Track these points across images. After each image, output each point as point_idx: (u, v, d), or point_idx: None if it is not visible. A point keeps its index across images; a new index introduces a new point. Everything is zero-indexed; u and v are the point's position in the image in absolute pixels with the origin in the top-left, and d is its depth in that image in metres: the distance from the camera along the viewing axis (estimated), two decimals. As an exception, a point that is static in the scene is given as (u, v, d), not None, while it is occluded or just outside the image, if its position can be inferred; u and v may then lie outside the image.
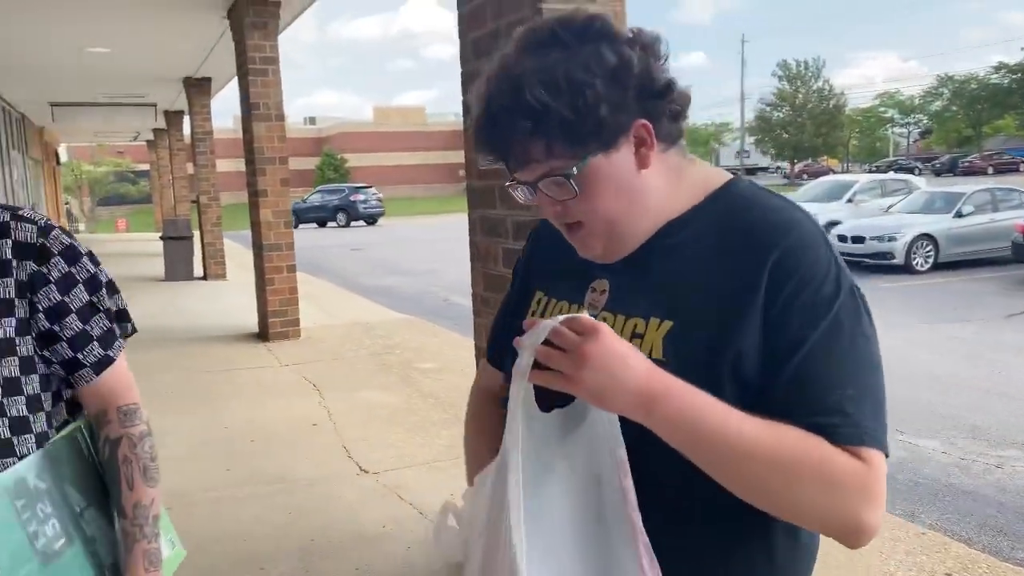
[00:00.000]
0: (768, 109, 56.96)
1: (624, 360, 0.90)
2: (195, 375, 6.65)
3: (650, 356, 0.96)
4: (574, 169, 0.97)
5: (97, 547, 1.28)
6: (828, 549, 1.07)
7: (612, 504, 0.96)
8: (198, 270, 13.69)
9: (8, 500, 1.15)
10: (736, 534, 1.01)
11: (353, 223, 31.93)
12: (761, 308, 0.94)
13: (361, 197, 32.58)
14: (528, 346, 0.94)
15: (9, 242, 1.20)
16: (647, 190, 1.01)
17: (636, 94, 0.96)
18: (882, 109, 61.50)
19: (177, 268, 13.40)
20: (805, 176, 46.99)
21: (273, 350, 7.53)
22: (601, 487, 0.97)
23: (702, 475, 0.93)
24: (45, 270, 1.21)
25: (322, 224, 32.29)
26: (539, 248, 1.27)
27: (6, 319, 1.18)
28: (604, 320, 1.02)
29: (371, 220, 32.55)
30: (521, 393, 0.97)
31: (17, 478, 1.17)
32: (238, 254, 15.37)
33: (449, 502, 1.14)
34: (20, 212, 1.24)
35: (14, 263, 1.19)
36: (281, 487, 4.16)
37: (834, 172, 42.50)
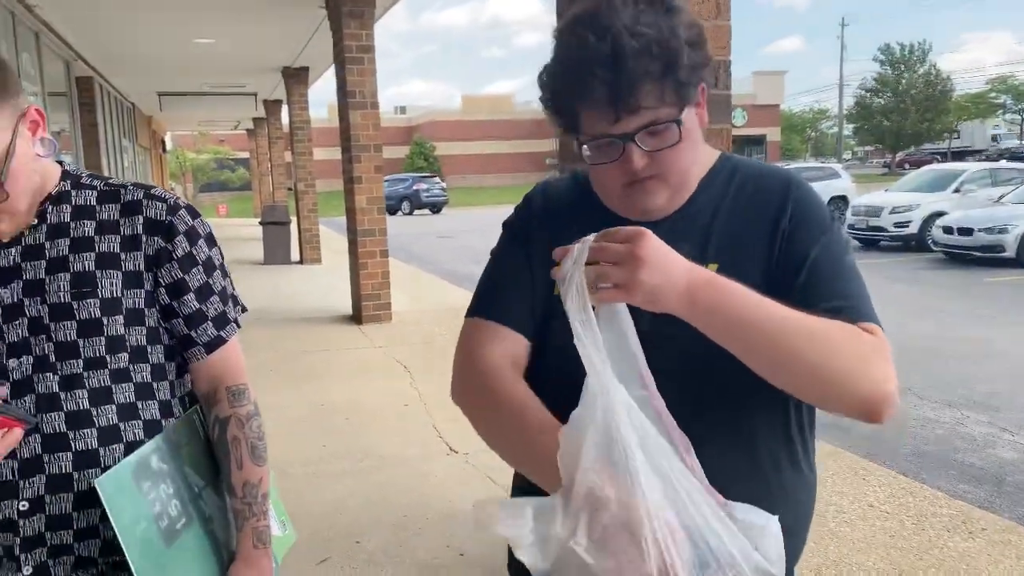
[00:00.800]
0: (868, 95, 54.64)
1: (669, 256, 0.97)
2: (292, 354, 6.89)
3: None
4: (681, 117, 1.06)
5: (214, 525, 1.34)
6: (933, 548, 1.05)
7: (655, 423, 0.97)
8: (295, 254, 14.16)
9: (135, 482, 1.21)
10: (749, 461, 1.10)
11: (417, 211, 32.36)
12: (779, 231, 1.11)
13: (424, 186, 33.15)
14: (571, 273, 0.95)
15: (141, 218, 1.27)
16: (699, 150, 1.14)
17: (700, 64, 1.08)
18: (993, 95, 58.12)
19: (275, 252, 13.89)
20: (907, 166, 44.95)
21: (366, 332, 7.73)
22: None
23: (713, 401, 1.06)
24: (170, 247, 1.27)
25: (391, 213, 32.86)
26: (536, 227, 1.22)
27: (136, 290, 1.26)
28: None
29: (435, 209, 33.04)
30: (589, 319, 0.95)
31: (141, 460, 1.23)
32: (332, 240, 15.81)
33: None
34: (152, 191, 1.31)
35: (144, 238, 1.26)
36: (374, 464, 4.28)
37: (939, 161, 40.46)
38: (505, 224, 1.29)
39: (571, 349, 1.02)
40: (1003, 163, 19.84)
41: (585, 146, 1.09)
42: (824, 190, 18.81)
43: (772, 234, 1.11)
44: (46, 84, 8.88)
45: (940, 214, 13.79)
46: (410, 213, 32.48)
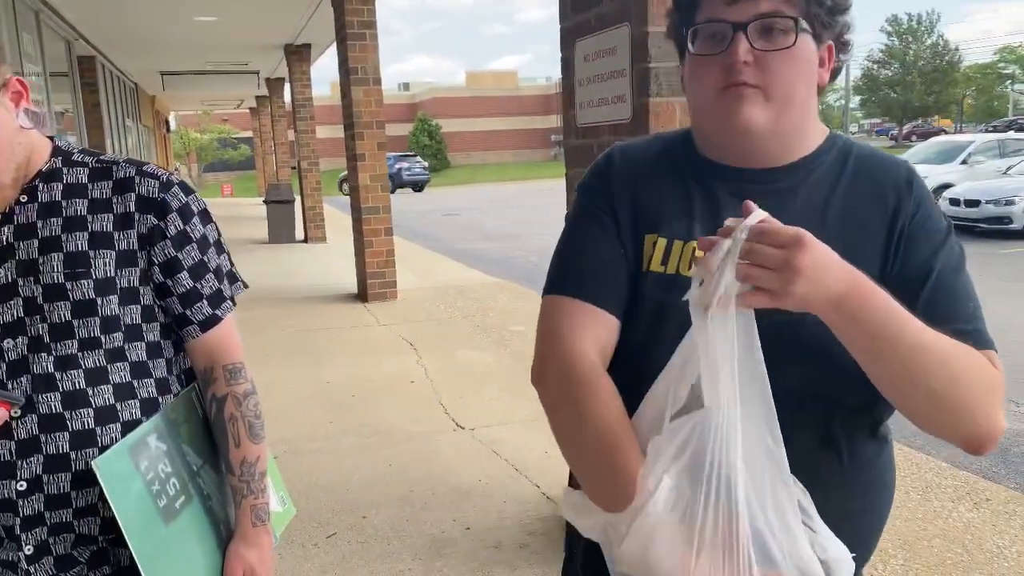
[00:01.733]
0: (876, 67, 54.10)
1: (828, 267, 0.90)
2: (299, 332, 6.91)
3: None
4: (802, 21, 1.00)
5: (212, 503, 1.34)
6: (937, 519, 1.07)
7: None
8: (299, 233, 14.16)
9: (132, 462, 1.21)
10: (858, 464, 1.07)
11: (399, 190, 32.44)
12: (898, 227, 1.03)
13: (405, 165, 33.91)
14: (720, 271, 0.88)
15: (133, 195, 1.25)
16: (813, 103, 1.07)
17: (839, 28, 1.05)
18: (1002, 65, 57.49)
19: (279, 231, 13.90)
20: (914, 137, 44.59)
21: (371, 310, 7.74)
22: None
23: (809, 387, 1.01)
24: (163, 225, 1.26)
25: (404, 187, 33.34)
26: (622, 187, 1.12)
27: (130, 268, 1.25)
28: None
29: (417, 187, 33.78)
30: (729, 324, 0.90)
31: (139, 440, 1.23)
32: (337, 218, 15.80)
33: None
34: (145, 167, 1.29)
35: (137, 216, 1.25)
36: (381, 439, 4.30)
37: (946, 132, 40.14)
38: (581, 187, 1.18)
39: (648, 350, 1.04)
40: (1011, 134, 19.68)
41: (693, 33, 1.03)
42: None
43: (890, 229, 1.03)
44: (48, 64, 8.84)
45: (947, 186, 13.70)
46: (392, 192, 32.63)
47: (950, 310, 1.00)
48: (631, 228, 1.10)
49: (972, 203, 12.47)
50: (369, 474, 3.85)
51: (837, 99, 63.39)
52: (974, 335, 0.99)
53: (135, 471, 1.21)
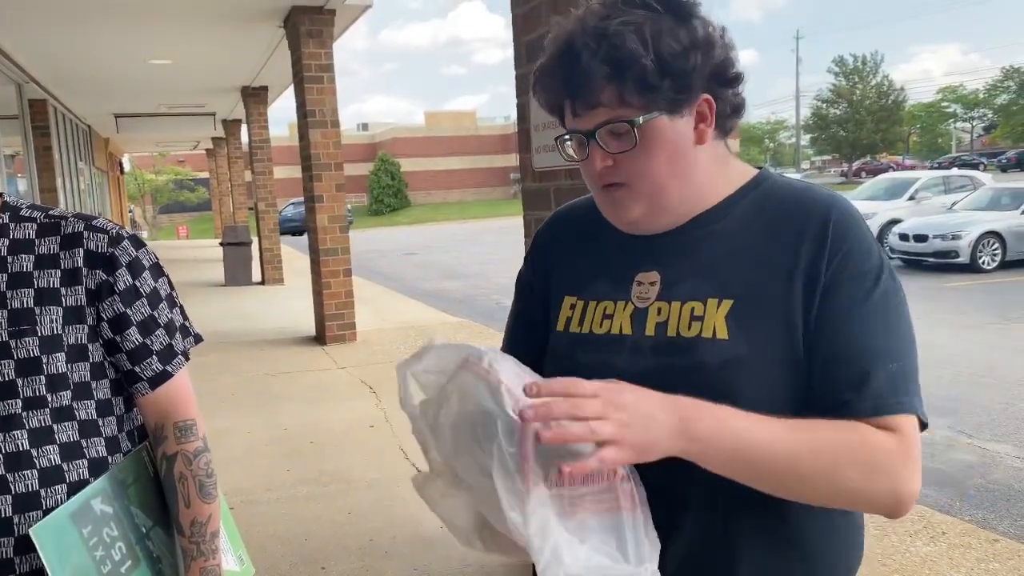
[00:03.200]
0: (824, 106, 55.77)
1: (644, 394, 0.90)
2: (255, 377, 6.79)
3: (714, 337, 0.98)
4: (640, 119, 0.99)
5: (163, 566, 1.30)
6: (895, 554, 1.06)
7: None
8: (256, 275, 13.99)
9: (74, 528, 1.17)
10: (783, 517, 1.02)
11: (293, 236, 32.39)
12: (812, 279, 0.98)
13: (279, 214, 33.63)
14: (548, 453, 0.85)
15: (81, 251, 1.22)
16: (697, 166, 1.04)
17: (710, 73, 1.00)
18: (944, 104, 59.68)
19: (236, 273, 13.71)
20: (864, 174, 45.89)
21: (330, 353, 7.65)
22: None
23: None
24: (112, 280, 1.23)
25: (297, 234, 32.99)
26: (554, 253, 1.22)
27: (78, 325, 1.22)
28: (659, 310, 1.03)
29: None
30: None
31: (82, 505, 1.19)
32: (295, 259, 15.65)
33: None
34: (94, 222, 1.27)
35: (85, 271, 1.22)
36: (340, 487, 4.22)
37: (894, 169, 41.39)
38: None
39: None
40: (955, 171, 20.34)
41: (563, 142, 1.08)
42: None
43: (808, 276, 0.98)
44: (-3, 107, 8.71)
45: (896, 221, 14.09)
46: (295, 234, 33.20)
47: (844, 372, 0.95)
48: (553, 289, 1.18)
49: (920, 238, 12.84)
50: (328, 523, 3.77)
51: (789, 136, 65.10)
52: (868, 402, 0.94)
53: (77, 537, 1.17)
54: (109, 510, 1.23)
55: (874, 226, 14.60)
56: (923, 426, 0.97)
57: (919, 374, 0.99)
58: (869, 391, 0.94)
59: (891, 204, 15.21)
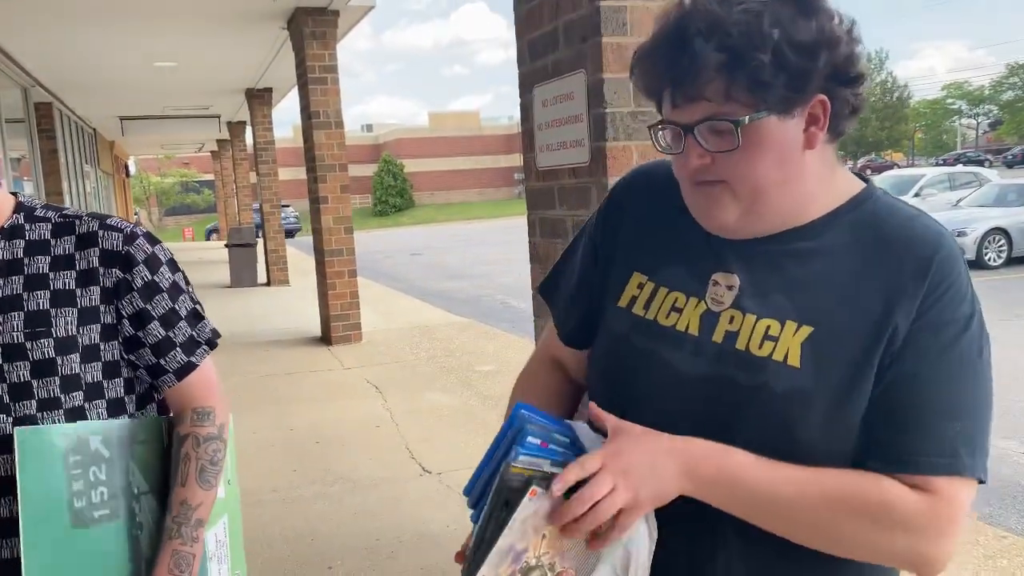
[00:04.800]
0: (828, 103, 55.60)
1: (646, 444, 0.91)
2: (261, 378, 6.81)
3: (785, 362, 0.93)
4: (746, 119, 0.90)
5: (141, 534, 1.27)
6: None
7: None
8: (262, 276, 14.03)
9: (61, 452, 1.18)
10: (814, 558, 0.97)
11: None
12: (898, 330, 0.91)
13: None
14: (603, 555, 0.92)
15: (96, 251, 1.24)
16: (803, 173, 0.95)
17: (829, 72, 0.92)
18: (949, 100, 59.53)
19: (242, 275, 13.76)
20: (868, 171, 45.78)
21: (336, 353, 7.67)
22: None
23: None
24: (129, 277, 1.25)
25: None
26: (629, 217, 1.13)
27: (92, 326, 1.23)
28: (732, 318, 0.97)
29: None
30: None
31: (79, 435, 1.20)
32: (300, 260, 15.69)
33: None
34: (108, 221, 1.28)
35: (101, 270, 1.24)
36: (346, 487, 4.23)
37: (899, 167, 41.30)
38: (606, 198, 1.21)
39: (604, 379, 1.09)
40: (959, 167, 20.30)
41: (657, 131, 0.99)
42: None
43: (887, 320, 0.91)
44: (3, 111, 8.74)
45: (901, 219, 14.04)
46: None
47: (898, 426, 0.91)
48: (620, 259, 1.11)
49: (925, 235, 12.77)
50: (334, 523, 3.78)
51: (793, 135, 64.77)
52: (913, 460, 0.90)
53: (59, 457, 1.18)
54: (106, 453, 1.23)
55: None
56: (981, 482, 0.92)
57: (988, 434, 0.93)
58: (914, 448, 0.90)
59: (896, 201, 15.16)
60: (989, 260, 12.35)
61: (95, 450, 1.22)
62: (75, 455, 1.19)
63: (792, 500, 0.89)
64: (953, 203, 14.53)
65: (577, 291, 1.17)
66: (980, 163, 35.54)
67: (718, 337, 0.97)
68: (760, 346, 0.95)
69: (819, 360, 0.92)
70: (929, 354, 0.90)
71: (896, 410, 0.91)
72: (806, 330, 0.93)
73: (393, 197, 49.03)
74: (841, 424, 0.92)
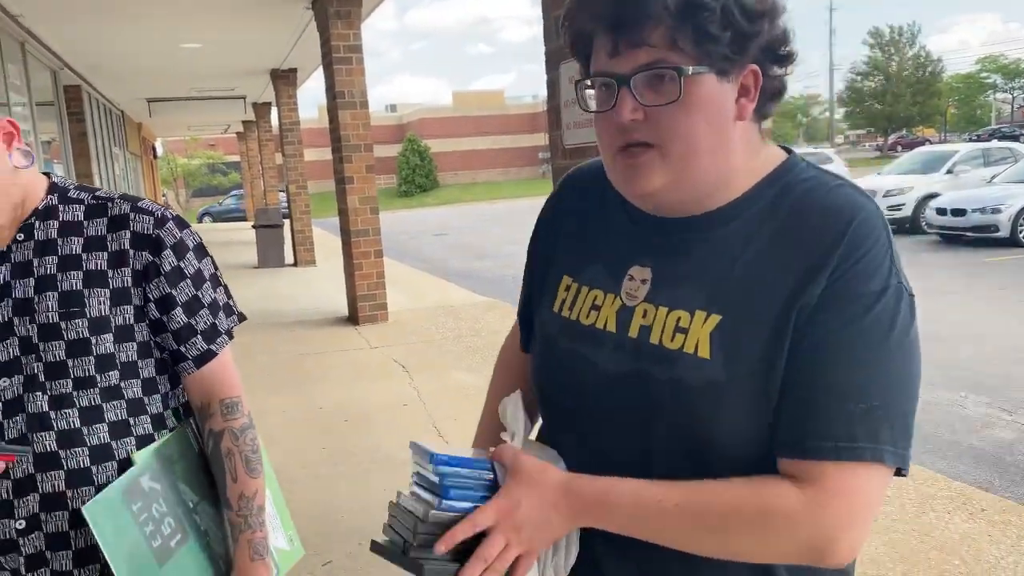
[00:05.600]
0: (859, 79, 54.65)
1: (536, 496, 0.93)
2: (290, 357, 6.88)
3: (695, 354, 0.91)
4: (690, 69, 0.87)
5: (210, 539, 1.33)
6: (934, 530, 1.02)
7: None
8: (289, 257, 14.13)
9: (125, 505, 1.20)
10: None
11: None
12: (806, 298, 0.87)
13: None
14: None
15: (128, 233, 1.25)
16: (732, 145, 0.92)
17: (765, 44, 0.90)
18: (984, 74, 58.17)
19: (269, 255, 13.87)
20: (899, 148, 45.02)
21: (363, 333, 7.72)
22: None
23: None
24: (158, 261, 1.26)
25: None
26: (565, 220, 1.13)
27: (124, 306, 1.25)
28: (645, 312, 0.96)
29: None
30: None
31: (131, 482, 1.22)
32: (326, 241, 15.78)
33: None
34: (139, 203, 1.29)
35: (132, 253, 1.25)
36: (375, 465, 4.27)
37: (930, 143, 40.51)
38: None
39: (537, 378, 1.11)
40: (994, 143, 19.87)
41: (584, 88, 0.95)
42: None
43: (796, 293, 0.87)
44: (33, 94, 8.84)
45: (933, 196, 13.81)
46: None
47: (795, 409, 0.87)
48: (556, 262, 1.12)
49: (959, 212, 12.56)
50: (363, 501, 3.82)
51: (822, 111, 63.99)
52: (808, 444, 0.86)
53: (127, 513, 1.20)
54: (157, 486, 1.26)
55: (910, 201, 14.34)
56: (899, 472, 0.88)
57: (908, 418, 0.88)
58: (803, 431, 0.86)
59: (928, 178, 14.90)
60: (1024, 237, 12.12)
61: (148, 488, 1.25)
62: (135, 503, 1.22)
63: (679, 522, 0.90)
64: (987, 179, 14.22)
65: (528, 300, 1.20)
66: (1015, 138, 34.72)
67: (633, 332, 0.96)
68: (672, 339, 0.93)
69: (729, 349, 0.89)
70: (829, 329, 0.86)
71: (792, 392, 0.87)
72: (714, 319, 0.91)
73: (418, 177, 49.07)
74: (761, 418, 0.89)
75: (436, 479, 0.94)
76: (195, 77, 13.17)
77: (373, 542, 0.98)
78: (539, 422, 1.16)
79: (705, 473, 0.90)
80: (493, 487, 0.96)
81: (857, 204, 0.90)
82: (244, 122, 22.10)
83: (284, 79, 13.14)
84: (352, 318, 8.31)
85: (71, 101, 11.34)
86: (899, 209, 14.46)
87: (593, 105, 0.95)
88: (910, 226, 14.23)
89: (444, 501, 0.93)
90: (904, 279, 0.90)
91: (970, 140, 32.40)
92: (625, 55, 0.89)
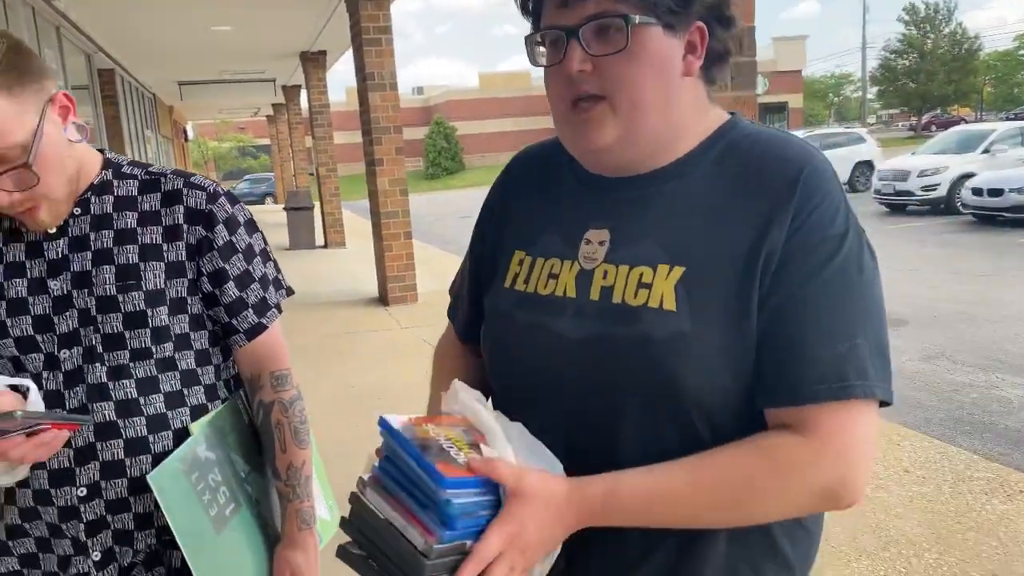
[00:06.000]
0: (893, 57, 53.55)
1: (541, 516, 0.87)
2: (322, 337, 6.96)
3: (661, 307, 0.90)
4: (636, 18, 0.89)
5: (260, 508, 1.37)
6: (970, 512, 1.01)
7: None
8: (319, 239, 14.24)
9: (184, 473, 1.24)
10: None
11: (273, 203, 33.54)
12: (770, 255, 0.88)
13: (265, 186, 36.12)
14: None
15: (181, 208, 1.28)
16: (680, 100, 0.94)
17: (710, 4, 0.94)
18: (1022, 52, 56.77)
19: (300, 237, 13.99)
20: (933, 127, 44.14)
21: (393, 314, 7.78)
22: None
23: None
24: (211, 236, 1.28)
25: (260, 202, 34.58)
26: (512, 201, 1.13)
27: (179, 279, 1.27)
28: (606, 273, 0.96)
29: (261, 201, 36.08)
30: None
31: (189, 451, 1.26)
32: (356, 223, 15.85)
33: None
34: (192, 179, 1.32)
35: (185, 228, 1.27)
36: (408, 443, 4.31)
37: (966, 122, 39.66)
38: None
39: (493, 359, 1.08)
40: (1033, 121, 19.40)
41: (534, 42, 0.97)
42: (849, 155, 18.49)
43: (756, 245, 0.89)
44: (69, 78, 8.96)
45: (969, 176, 13.54)
46: (265, 202, 35.65)
47: (783, 358, 0.88)
48: (506, 241, 1.10)
49: (995, 192, 12.30)
50: (397, 477, 3.87)
51: (854, 90, 62.82)
52: (802, 391, 0.87)
53: (187, 482, 1.24)
54: (212, 456, 1.29)
55: (945, 181, 14.08)
56: (883, 404, 0.90)
57: (885, 350, 0.90)
58: (795, 378, 0.87)
59: (963, 158, 14.60)
60: (1063, 218, 11.85)
61: (204, 458, 1.28)
62: (194, 472, 1.25)
63: (693, 501, 0.88)
64: (1025, 159, 13.93)
65: (470, 285, 1.18)
66: (1054, 117, 33.88)
67: (595, 295, 0.95)
68: (635, 295, 0.92)
69: (694, 300, 0.90)
70: (803, 276, 0.87)
71: (774, 341, 0.88)
72: (678, 271, 0.91)
73: (445, 160, 49.09)
74: (733, 369, 0.89)
75: (438, 499, 0.82)
76: (225, 60, 13.26)
77: (341, 547, 0.90)
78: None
79: (676, 437, 0.90)
80: (495, 504, 0.88)
81: (806, 153, 0.93)
82: (274, 105, 22.21)
83: (313, 61, 13.18)
84: (382, 299, 8.37)
85: (105, 84, 11.49)
86: (934, 189, 14.22)
87: (543, 60, 0.96)
88: (945, 207, 13.99)
89: (448, 532, 0.82)
90: (853, 213, 0.93)
91: (1007, 119, 31.64)
92: (573, 7, 0.91)
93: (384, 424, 0.90)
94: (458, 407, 0.97)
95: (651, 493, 0.88)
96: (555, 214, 1.04)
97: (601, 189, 1.00)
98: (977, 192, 12.58)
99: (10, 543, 1.29)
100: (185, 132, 28.16)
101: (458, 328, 1.21)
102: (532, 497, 0.87)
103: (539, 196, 1.08)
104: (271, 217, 19.76)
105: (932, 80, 50.00)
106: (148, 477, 1.19)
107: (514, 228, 1.09)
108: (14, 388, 1.17)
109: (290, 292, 1.44)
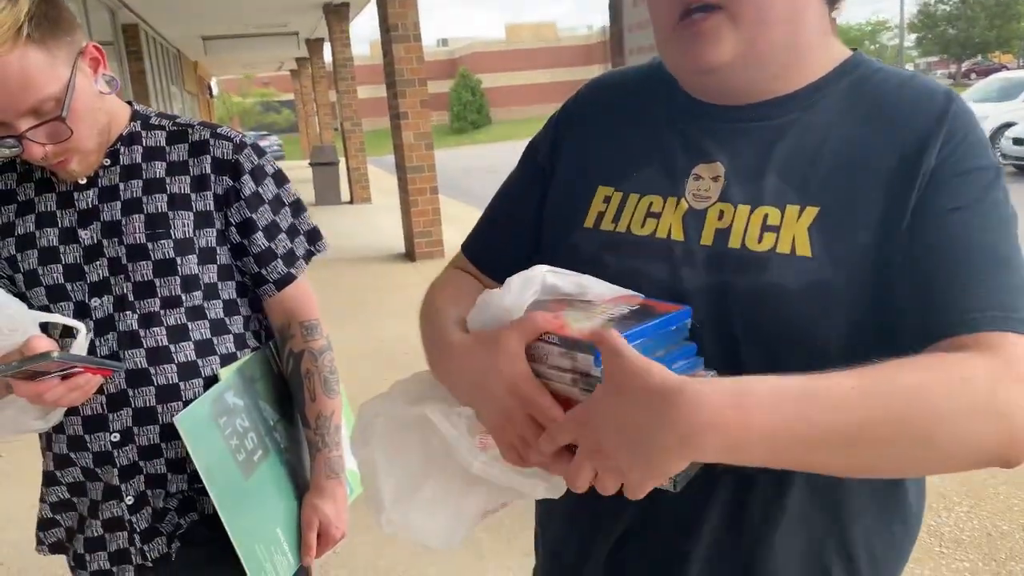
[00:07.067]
0: (932, 3, 51.86)
1: (632, 405, 0.65)
2: (350, 292, 7.01)
3: (793, 253, 0.78)
4: None
5: (289, 456, 1.39)
6: None
7: None
8: (345, 194, 14.27)
9: (212, 417, 1.25)
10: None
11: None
12: (918, 180, 0.77)
13: (266, 143, 36.61)
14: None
15: (208, 158, 1.28)
16: (806, 20, 0.83)
17: None
18: (1068, -5, 54.66)
19: (326, 193, 14.03)
20: (973, 75, 42.89)
21: (420, 269, 7.80)
22: None
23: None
24: (238, 186, 1.29)
25: None
26: (588, 127, 0.98)
27: (207, 229, 1.28)
28: (721, 213, 0.83)
29: (277, 159, 36.14)
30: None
31: (217, 396, 1.27)
32: (381, 178, 15.85)
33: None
34: (218, 130, 1.32)
35: (212, 178, 1.27)
36: (435, 396, 4.35)
37: (1008, 68, 38.46)
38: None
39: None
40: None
41: None
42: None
43: (906, 176, 0.78)
44: (93, 34, 8.96)
45: (1009, 125, 13.15)
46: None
47: (948, 290, 0.74)
48: (583, 177, 0.95)
49: (1036, 142, 11.98)
50: (425, 430, 3.91)
51: (891, 37, 61.11)
52: (973, 322, 0.72)
53: (215, 426, 1.25)
54: (240, 403, 1.31)
55: (985, 130, 13.53)
56: None
57: None
58: (970, 304, 0.72)
59: (1005, 106, 14.16)
60: (1106, 168, 11.51)
61: (232, 404, 1.29)
62: (221, 416, 1.26)
63: (861, 413, 0.65)
64: (1069, 107, 13.50)
65: (506, 216, 1.04)
66: (1100, 63, 32.71)
67: (707, 239, 0.83)
68: (759, 240, 0.80)
69: (832, 244, 0.78)
70: (967, 198, 0.76)
71: (938, 266, 0.75)
72: (811, 211, 0.79)
73: (470, 114, 48.75)
74: (870, 319, 0.77)
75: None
76: (249, 13, 13.16)
77: None
78: None
79: None
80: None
81: (949, 90, 0.83)
82: (297, 59, 22.12)
83: (336, 13, 13.05)
84: (409, 254, 8.39)
85: (129, 40, 11.48)
86: (972, 139, 13.85)
87: None
88: (983, 157, 13.66)
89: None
90: None
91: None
92: None
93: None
94: (533, 294, 0.80)
95: (805, 389, 0.66)
96: (653, 147, 0.90)
97: (711, 117, 0.87)
98: (1019, 142, 12.22)
99: (44, 489, 1.32)
100: (210, 88, 28.20)
101: (474, 248, 1.06)
102: (627, 374, 0.66)
103: (629, 127, 0.94)
104: (295, 173, 19.82)
105: (973, 26, 48.38)
106: (175, 419, 1.21)
107: (593, 162, 0.94)
108: (66, 329, 1.19)
109: (323, 247, 1.43)
